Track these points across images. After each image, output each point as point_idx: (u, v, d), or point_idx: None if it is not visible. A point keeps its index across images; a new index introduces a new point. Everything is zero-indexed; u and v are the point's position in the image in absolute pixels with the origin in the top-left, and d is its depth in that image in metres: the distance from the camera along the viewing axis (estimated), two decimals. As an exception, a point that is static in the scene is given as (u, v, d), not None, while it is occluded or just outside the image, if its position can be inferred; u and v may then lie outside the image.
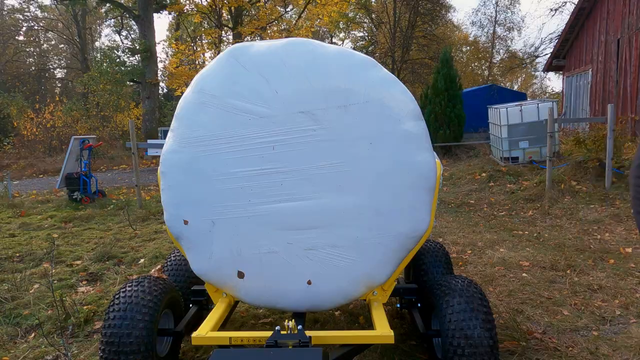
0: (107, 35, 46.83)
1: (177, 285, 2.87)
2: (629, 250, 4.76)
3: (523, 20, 39.07)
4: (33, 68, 28.19)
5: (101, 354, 2.20)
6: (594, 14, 11.84)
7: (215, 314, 2.39)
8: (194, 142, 2.29)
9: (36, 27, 29.84)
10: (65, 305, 3.48)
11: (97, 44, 32.66)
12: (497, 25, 34.27)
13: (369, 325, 3.04)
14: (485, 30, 36.31)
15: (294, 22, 19.44)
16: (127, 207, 7.86)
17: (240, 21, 21.25)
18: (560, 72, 14.51)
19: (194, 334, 2.17)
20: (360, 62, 2.28)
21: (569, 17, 12.47)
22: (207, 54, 19.11)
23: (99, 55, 26.78)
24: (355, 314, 3.36)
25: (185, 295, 2.90)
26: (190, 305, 2.83)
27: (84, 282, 4.39)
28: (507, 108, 10.22)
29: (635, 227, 5.70)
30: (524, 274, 4.16)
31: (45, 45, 31.39)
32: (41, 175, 14.32)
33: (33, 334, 3.29)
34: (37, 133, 15.87)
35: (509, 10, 37.98)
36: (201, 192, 2.29)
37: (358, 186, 2.23)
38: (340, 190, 2.24)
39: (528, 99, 16.38)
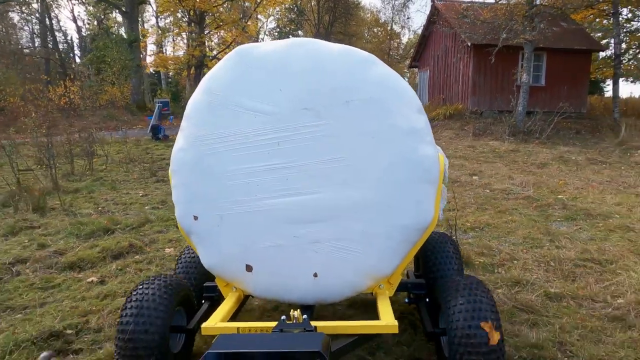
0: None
1: (189, 282, 2.95)
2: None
3: (411, 21, 49.71)
4: (11, 44, 31.95)
5: (117, 350, 2.26)
6: (429, 39, 21.88)
7: (225, 306, 2.44)
8: (202, 140, 2.37)
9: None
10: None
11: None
12: (393, 23, 44.14)
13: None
14: (387, 26, 46.02)
15: (247, 20, 26.54)
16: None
17: (203, 20, 28.23)
18: (417, 69, 24.36)
19: (203, 325, 2.25)
20: (362, 60, 2.37)
21: (419, 37, 22.19)
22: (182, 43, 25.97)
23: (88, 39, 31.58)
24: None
25: (197, 292, 2.93)
26: (203, 302, 2.88)
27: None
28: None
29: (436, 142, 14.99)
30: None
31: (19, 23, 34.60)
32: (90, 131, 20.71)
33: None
34: (66, 102, 21.97)
35: (402, 13, 48.33)
36: (210, 188, 2.37)
37: (362, 180, 2.27)
38: (345, 185, 2.28)
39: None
